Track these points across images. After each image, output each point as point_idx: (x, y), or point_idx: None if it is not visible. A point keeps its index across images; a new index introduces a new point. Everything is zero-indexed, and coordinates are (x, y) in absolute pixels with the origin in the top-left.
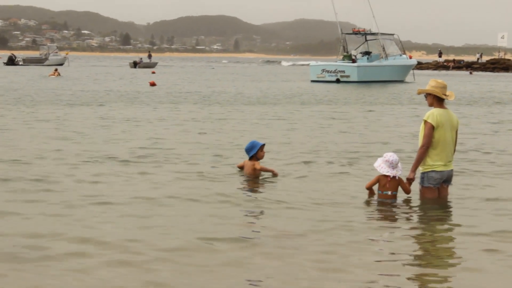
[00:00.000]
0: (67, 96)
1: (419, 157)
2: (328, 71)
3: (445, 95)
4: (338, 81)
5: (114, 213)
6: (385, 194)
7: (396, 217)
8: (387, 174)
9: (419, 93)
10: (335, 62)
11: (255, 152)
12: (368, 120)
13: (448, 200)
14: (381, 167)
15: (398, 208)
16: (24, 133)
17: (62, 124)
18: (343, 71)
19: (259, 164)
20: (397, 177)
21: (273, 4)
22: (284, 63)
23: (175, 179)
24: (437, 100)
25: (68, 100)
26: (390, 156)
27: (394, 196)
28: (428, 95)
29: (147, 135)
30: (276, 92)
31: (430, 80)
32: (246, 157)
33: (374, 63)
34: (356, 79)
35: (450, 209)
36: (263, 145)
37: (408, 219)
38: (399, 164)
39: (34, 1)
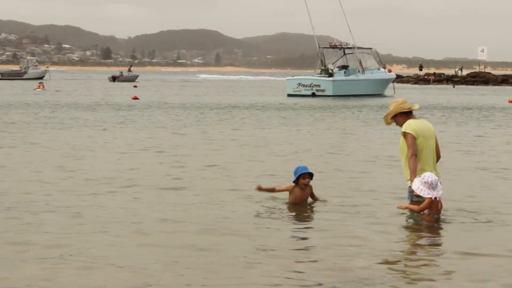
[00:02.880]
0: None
1: (413, 168)
2: (304, 85)
3: (409, 108)
4: (314, 95)
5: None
6: (436, 218)
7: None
8: (428, 196)
9: (388, 124)
10: (311, 76)
11: (296, 177)
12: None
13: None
14: (421, 189)
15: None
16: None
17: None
18: (319, 85)
19: (281, 187)
20: (437, 198)
21: (254, 18)
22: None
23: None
24: (406, 115)
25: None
26: (429, 176)
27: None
28: (395, 117)
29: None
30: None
31: (390, 104)
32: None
33: (351, 77)
34: (331, 93)
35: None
36: (308, 173)
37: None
38: (439, 184)
39: (14, 15)
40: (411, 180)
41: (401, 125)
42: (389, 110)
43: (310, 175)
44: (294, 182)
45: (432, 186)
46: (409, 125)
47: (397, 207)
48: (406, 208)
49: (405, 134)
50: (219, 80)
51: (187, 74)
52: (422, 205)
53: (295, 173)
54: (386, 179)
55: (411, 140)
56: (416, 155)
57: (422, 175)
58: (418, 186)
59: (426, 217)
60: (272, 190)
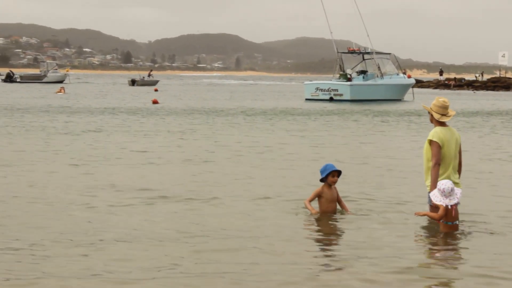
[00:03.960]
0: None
1: (434, 177)
2: (321, 90)
3: (445, 115)
4: (331, 99)
5: None
6: (455, 225)
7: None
8: (440, 203)
9: (424, 108)
10: (329, 81)
11: (325, 175)
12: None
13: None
14: (435, 196)
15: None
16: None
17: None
18: (336, 90)
19: (314, 193)
20: (449, 206)
21: (274, 23)
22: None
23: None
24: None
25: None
26: (443, 184)
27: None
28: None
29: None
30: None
31: (435, 98)
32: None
33: (369, 82)
34: (349, 98)
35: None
36: (336, 171)
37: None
38: (456, 191)
39: (36, 19)
40: (431, 189)
41: (429, 120)
42: (432, 103)
43: (339, 173)
44: (321, 180)
45: (444, 193)
46: (436, 134)
47: (415, 214)
48: (424, 215)
49: (431, 142)
50: (231, 84)
51: (197, 78)
52: (440, 213)
53: (323, 171)
54: (404, 187)
55: (436, 149)
56: (440, 164)
57: (438, 183)
58: (434, 192)
59: (441, 226)
60: (311, 208)
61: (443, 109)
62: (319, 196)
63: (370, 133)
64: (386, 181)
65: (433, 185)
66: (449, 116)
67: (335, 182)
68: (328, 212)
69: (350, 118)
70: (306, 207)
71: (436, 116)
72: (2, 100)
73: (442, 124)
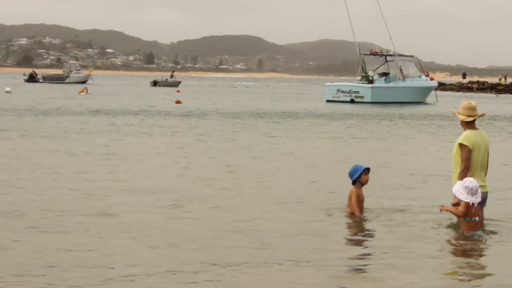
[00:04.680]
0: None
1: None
2: (343, 92)
3: (471, 116)
4: (352, 101)
5: None
6: (474, 221)
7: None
8: (466, 200)
9: (452, 112)
10: (351, 83)
11: (358, 175)
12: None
13: (485, 222)
14: (460, 192)
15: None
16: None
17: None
18: (358, 92)
19: (354, 196)
20: (475, 205)
21: (296, 25)
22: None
23: None
24: (467, 122)
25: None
26: (470, 182)
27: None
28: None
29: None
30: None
31: (462, 102)
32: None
33: (390, 84)
34: (370, 100)
35: (487, 232)
36: (367, 169)
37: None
38: (479, 190)
39: (59, 19)
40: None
41: (461, 125)
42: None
43: (369, 171)
44: (354, 181)
45: (472, 192)
46: (467, 137)
47: (439, 206)
48: (448, 210)
49: (461, 146)
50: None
51: (229, 80)
52: (462, 209)
53: (355, 171)
54: (429, 192)
55: (466, 153)
56: (469, 169)
57: (464, 180)
58: (458, 189)
59: (463, 224)
60: (355, 212)
61: (470, 111)
62: (353, 196)
63: (390, 135)
64: (407, 185)
65: None
66: (474, 116)
67: (367, 180)
68: (362, 212)
69: (370, 120)
70: (354, 212)
71: (461, 117)
72: (28, 101)
73: (472, 127)
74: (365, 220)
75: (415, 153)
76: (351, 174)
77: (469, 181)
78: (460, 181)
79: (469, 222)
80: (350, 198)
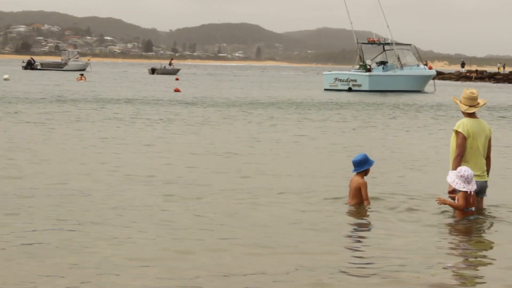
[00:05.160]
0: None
1: (454, 168)
2: (340, 80)
3: (473, 106)
4: (350, 90)
5: None
6: (470, 211)
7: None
8: (464, 190)
9: (454, 100)
10: (348, 71)
11: (368, 167)
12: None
13: (484, 212)
14: (456, 182)
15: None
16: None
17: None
18: (355, 80)
19: (366, 187)
20: (472, 193)
21: (295, 13)
22: None
23: None
24: (467, 112)
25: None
26: (465, 171)
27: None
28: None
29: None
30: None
31: (463, 90)
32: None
33: (388, 72)
34: (367, 88)
35: (486, 222)
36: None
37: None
38: (473, 179)
39: (57, 7)
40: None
41: (463, 113)
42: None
43: None
44: (360, 171)
45: (467, 180)
46: (463, 124)
47: (437, 200)
48: (446, 203)
49: (456, 133)
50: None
51: (227, 68)
52: (462, 202)
53: (366, 162)
54: (426, 181)
55: (461, 140)
56: (462, 156)
57: (458, 169)
58: (454, 179)
59: (460, 214)
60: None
61: (471, 101)
62: (364, 187)
63: (386, 124)
64: (405, 174)
65: None
66: (477, 106)
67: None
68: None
69: (367, 109)
70: (366, 203)
71: (463, 107)
72: (25, 88)
73: (471, 115)
74: (371, 210)
75: (411, 142)
76: (361, 163)
77: (464, 169)
78: (454, 171)
79: (466, 212)
80: (357, 189)
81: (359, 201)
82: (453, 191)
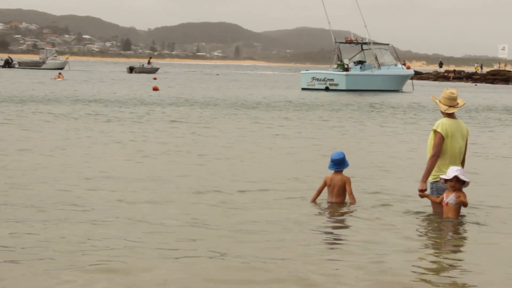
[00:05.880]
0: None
1: (429, 167)
2: (318, 79)
3: (452, 106)
4: (327, 89)
5: None
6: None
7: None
8: (468, 181)
9: (433, 100)
10: (326, 71)
11: (347, 166)
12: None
13: (465, 213)
14: (462, 174)
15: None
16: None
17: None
18: (332, 80)
19: (350, 184)
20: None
21: (274, 12)
22: None
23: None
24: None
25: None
26: (457, 170)
27: None
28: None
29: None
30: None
31: (443, 90)
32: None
33: (365, 72)
34: (344, 88)
35: (464, 222)
36: None
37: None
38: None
39: (36, 5)
40: (422, 181)
41: (441, 112)
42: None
43: None
44: (336, 170)
45: (462, 173)
46: (441, 124)
47: (419, 193)
48: (429, 200)
49: (434, 132)
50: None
51: (205, 67)
52: (465, 200)
53: (344, 160)
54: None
55: (438, 140)
56: (438, 156)
57: (457, 169)
58: (461, 172)
59: (439, 207)
60: (354, 200)
61: (450, 101)
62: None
63: (361, 123)
64: (380, 174)
65: (426, 175)
66: (456, 107)
67: None
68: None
69: (342, 108)
70: (352, 201)
71: (443, 107)
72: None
73: (450, 115)
74: (353, 209)
75: (386, 142)
76: (342, 162)
77: (456, 169)
78: (455, 167)
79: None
80: (342, 186)
81: (344, 198)
82: (422, 190)
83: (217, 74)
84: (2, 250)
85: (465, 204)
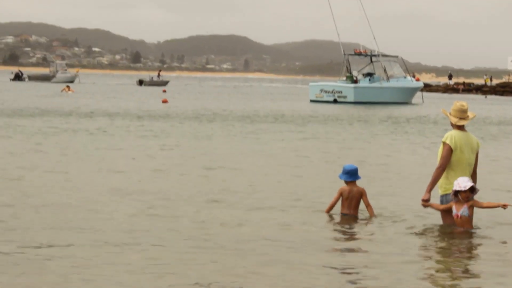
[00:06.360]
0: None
1: (434, 178)
2: (326, 91)
3: (463, 118)
4: (335, 101)
5: None
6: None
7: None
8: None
9: (443, 112)
10: (334, 83)
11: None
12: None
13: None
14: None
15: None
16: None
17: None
18: (340, 92)
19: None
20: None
21: (283, 25)
22: None
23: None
24: (457, 124)
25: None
26: (463, 181)
27: None
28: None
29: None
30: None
31: (454, 102)
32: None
33: (374, 84)
34: (352, 100)
35: (473, 235)
36: None
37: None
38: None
39: (45, 18)
40: (426, 191)
41: (451, 124)
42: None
43: None
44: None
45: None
46: (450, 136)
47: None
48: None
49: (443, 144)
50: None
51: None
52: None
53: (357, 172)
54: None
55: (446, 152)
56: (444, 168)
57: (468, 179)
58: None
59: (462, 219)
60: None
61: (461, 113)
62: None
63: (369, 136)
64: (391, 187)
65: (431, 186)
66: (467, 119)
67: None
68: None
69: (349, 120)
70: (370, 212)
71: (453, 120)
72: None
73: (460, 128)
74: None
75: (396, 154)
76: (356, 171)
77: (467, 179)
78: (463, 177)
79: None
80: (359, 197)
81: (358, 210)
82: (425, 200)
83: (228, 87)
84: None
85: (486, 207)
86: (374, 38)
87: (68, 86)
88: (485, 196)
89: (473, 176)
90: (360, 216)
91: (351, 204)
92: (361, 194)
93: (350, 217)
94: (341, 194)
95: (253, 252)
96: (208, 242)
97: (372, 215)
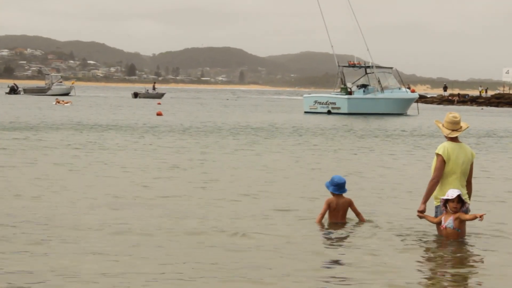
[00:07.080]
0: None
1: (429, 190)
2: (320, 103)
3: (455, 130)
4: (329, 112)
5: None
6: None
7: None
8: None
9: (436, 124)
10: (328, 94)
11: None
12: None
13: (466, 236)
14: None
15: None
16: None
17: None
18: (334, 103)
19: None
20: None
21: (278, 37)
22: None
23: None
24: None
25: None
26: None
27: None
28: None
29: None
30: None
31: (446, 114)
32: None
33: (368, 95)
34: (346, 111)
35: (467, 245)
36: None
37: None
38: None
39: (40, 31)
40: (422, 202)
41: (445, 137)
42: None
43: None
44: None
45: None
46: (443, 148)
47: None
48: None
49: (437, 155)
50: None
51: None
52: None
53: (344, 184)
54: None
55: (439, 163)
56: (438, 179)
57: (458, 190)
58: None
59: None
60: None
61: (453, 125)
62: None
63: (361, 147)
64: (383, 198)
65: (425, 198)
66: (459, 130)
67: None
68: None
69: (343, 132)
70: (361, 219)
71: (445, 132)
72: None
73: (454, 139)
74: (354, 227)
75: (388, 166)
76: (344, 185)
77: (457, 190)
78: (455, 190)
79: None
80: (345, 209)
81: (345, 217)
82: (420, 211)
83: (227, 99)
84: None
85: (467, 219)
86: (368, 49)
87: (58, 100)
88: (480, 206)
89: (468, 187)
90: (351, 223)
91: (338, 214)
92: (349, 204)
93: (340, 224)
94: (329, 205)
95: (248, 261)
96: (202, 251)
97: (363, 220)
